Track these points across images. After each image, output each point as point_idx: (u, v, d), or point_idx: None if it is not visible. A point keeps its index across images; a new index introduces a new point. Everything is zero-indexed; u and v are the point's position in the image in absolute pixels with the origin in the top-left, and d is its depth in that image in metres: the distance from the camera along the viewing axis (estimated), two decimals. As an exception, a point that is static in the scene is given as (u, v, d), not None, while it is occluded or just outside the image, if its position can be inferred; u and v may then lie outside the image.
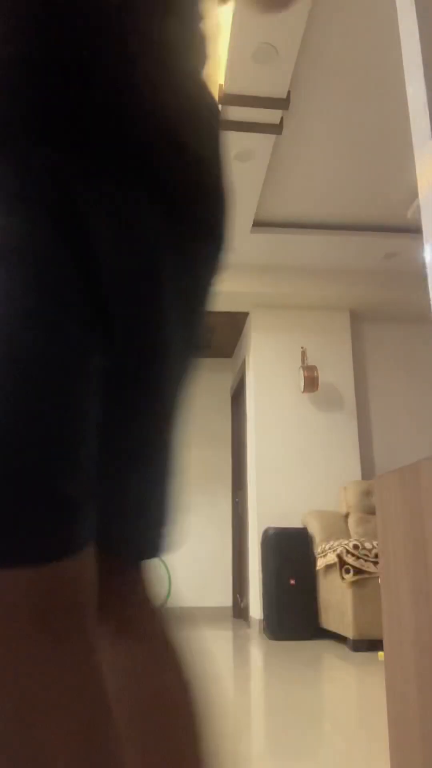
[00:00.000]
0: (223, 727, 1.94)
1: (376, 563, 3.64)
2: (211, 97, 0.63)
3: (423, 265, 4.90)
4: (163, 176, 0.54)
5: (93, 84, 0.52)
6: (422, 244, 4.74)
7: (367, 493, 4.53)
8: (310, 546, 4.38)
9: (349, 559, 3.66)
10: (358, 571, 3.62)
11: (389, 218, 4.45)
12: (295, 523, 4.65)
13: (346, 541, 3.76)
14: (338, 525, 4.47)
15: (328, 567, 4.00)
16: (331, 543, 4.01)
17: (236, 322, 5.59)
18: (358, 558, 3.65)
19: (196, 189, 0.57)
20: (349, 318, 5.27)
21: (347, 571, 3.64)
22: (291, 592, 4.21)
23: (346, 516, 4.58)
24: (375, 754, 1.61)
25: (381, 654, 3.34)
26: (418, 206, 1.34)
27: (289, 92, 3.18)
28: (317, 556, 4.25)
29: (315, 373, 4.86)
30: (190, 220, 0.57)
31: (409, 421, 5.16)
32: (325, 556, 4.04)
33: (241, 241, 4.59)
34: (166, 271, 0.54)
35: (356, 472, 4.87)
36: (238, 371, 5.98)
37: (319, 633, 4.15)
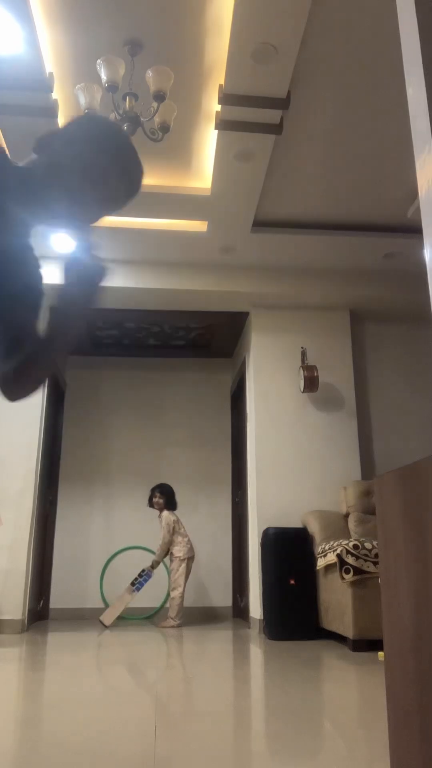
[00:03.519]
0: (224, 727, 1.93)
1: (376, 563, 3.64)
2: None
3: (423, 265, 4.89)
4: None
5: None
6: (422, 244, 4.73)
7: (367, 493, 4.53)
8: (310, 546, 4.38)
9: (349, 559, 3.66)
10: (358, 571, 3.62)
11: (389, 218, 4.45)
12: (295, 523, 4.65)
13: (346, 541, 3.76)
14: (338, 525, 4.47)
15: (328, 567, 4.00)
16: (331, 543, 4.01)
17: (236, 322, 5.59)
18: (358, 558, 3.65)
19: None
20: (349, 318, 5.27)
21: (347, 571, 3.64)
22: (291, 592, 4.21)
23: (346, 516, 4.58)
24: (375, 754, 1.61)
25: (381, 654, 3.34)
26: (418, 206, 1.34)
27: (289, 92, 3.18)
28: (317, 556, 4.25)
29: (315, 373, 4.86)
30: None
31: (409, 421, 5.15)
32: (325, 556, 4.04)
33: (241, 241, 4.59)
34: None
35: (356, 472, 4.87)
36: (238, 371, 5.98)
37: (319, 633, 4.15)
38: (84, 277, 1.12)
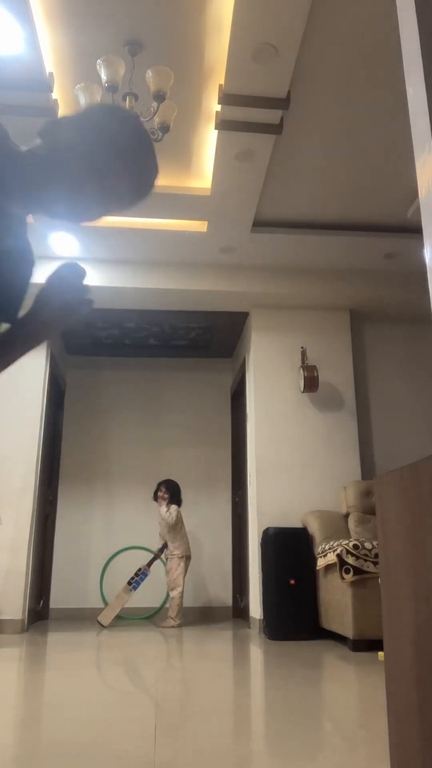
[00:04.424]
0: (224, 727, 1.93)
1: (376, 563, 3.64)
2: None
3: (423, 265, 4.90)
4: None
5: None
6: (422, 244, 4.74)
7: (367, 493, 4.53)
8: (310, 546, 4.38)
9: (349, 559, 3.66)
10: (358, 571, 3.62)
11: (389, 218, 4.45)
12: (295, 523, 4.65)
13: (346, 541, 3.77)
14: (338, 525, 4.47)
15: (328, 567, 4.00)
16: (331, 543, 4.01)
17: (236, 322, 5.59)
18: (358, 558, 3.65)
19: None
20: (349, 318, 5.27)
21: (347, 571, 3.64)
22: (291, 592, 4.21)
23: (346, 516, 4.58)
24: (375, 754, 1.61)
25: (381, 654, 3.34)
26: (418, 206, 1.34)
27: (289, 92, 3.18)
28: (317, 556, 4.25)
29: (315, 373, 4.86)
30: None
31: (409, 421, 5.16)
32: (325, 556, 4.04)
33: (241, 241, 4.59)
34: None
35: (356, 472, 4.87)
36: (238, 371, 5.98)
37: (319, 633, 4.15)
38: (67, 278, 1.04)
